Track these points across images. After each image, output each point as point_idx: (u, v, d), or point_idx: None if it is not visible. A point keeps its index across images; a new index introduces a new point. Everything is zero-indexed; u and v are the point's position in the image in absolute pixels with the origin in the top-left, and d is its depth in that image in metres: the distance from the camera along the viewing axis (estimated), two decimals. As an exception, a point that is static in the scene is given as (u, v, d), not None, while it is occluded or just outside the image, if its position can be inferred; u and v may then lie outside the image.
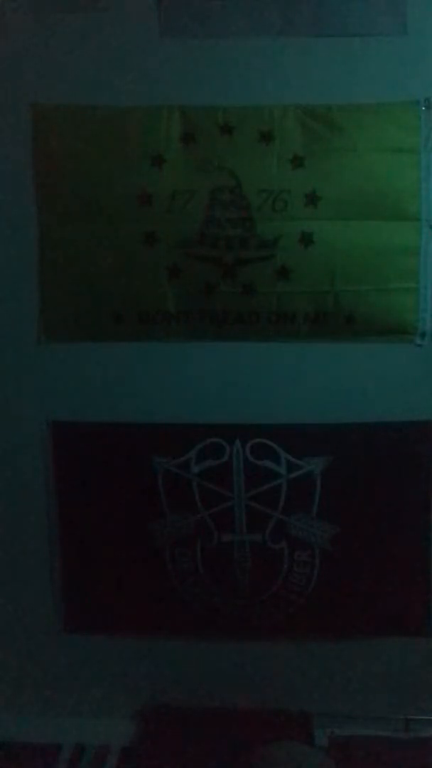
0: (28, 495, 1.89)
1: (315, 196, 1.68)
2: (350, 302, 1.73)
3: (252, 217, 1.70)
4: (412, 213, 1.69)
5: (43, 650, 1.97)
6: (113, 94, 1.68)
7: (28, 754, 1.88)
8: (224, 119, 1.67)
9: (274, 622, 1.89)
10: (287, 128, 1.67)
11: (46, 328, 1.80)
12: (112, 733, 1.93)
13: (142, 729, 1.91)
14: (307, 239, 1.70)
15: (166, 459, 1.82)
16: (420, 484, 1.81)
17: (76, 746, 1.92)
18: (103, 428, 1.83)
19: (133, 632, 1.94)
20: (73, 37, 1.67)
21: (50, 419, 1.84)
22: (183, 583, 1.89)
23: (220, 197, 1.70)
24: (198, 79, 1.67)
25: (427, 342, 1.75)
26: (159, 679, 1.96)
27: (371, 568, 1.85)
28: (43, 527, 1.90)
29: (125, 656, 1.95)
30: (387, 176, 1.68)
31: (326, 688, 1.93)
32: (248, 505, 1.83)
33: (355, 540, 1.83)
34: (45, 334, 1.80)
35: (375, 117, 1.65)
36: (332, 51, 1.64)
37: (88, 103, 1.69)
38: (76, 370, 1.82)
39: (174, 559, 1.88)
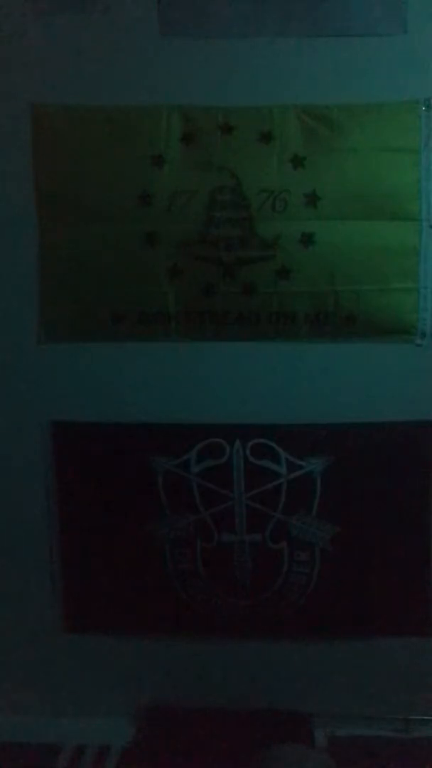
0: (28, 495, 1.89)
1: (315, 196, 1.68)
2: (350, 302, 1.73)
3: (252, 217, 1.70)
4: (412, 213, 1.69)
5: (43, 650, 1.97)
6: (113, 94, 1.68)
7: (28, 754, 1.88)
8: (224, 119, 1.67)
9: (274, 622, 1.89)
10: (287, 128, 1.67)
11: (46, 328, 1.80)
12: (112, 733, 1.93)
13: (142, 729, 1.91)
14: (307, 239, 1.70)
15: (166, 459, 1.82)
16: (420, 484, 1.81)
17: (76, 746, 1.92)
18: (103, 428, 1.83)
19: (133, 632, 1.94)
20: (73, 37, 1.67)
21: (50, 419, 1.84)
22: (183, 583, 1.89)
23: (220, 197, 1.70)
24: (198, 79, 1.67)
25: (427, 342, 1.75)
26: (159, 679, 1.96)
27: (371, 568, 1.85)
28: (43, 527, 1.89)
29: (125, 656, 1.95)
30: (387, 176, 1.67)
31: (326, 688, 1.93)
32: (248, 505, 1.83)
33: (355, 540, 1.83)
34: (45, 334, 1.80)
35: (375, 117, 1.65)
36: (332, 51, 1.64)
37: (88, 103, 1.69)
38: (76, 370, 1.82)
39: (174, 559, 1.88)
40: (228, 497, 1.83)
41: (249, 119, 1.67)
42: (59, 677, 1.99)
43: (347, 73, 1.65)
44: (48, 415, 1.84)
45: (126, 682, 1.97)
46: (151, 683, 1.97)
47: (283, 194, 1.69)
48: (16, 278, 1.79)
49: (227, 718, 1.88)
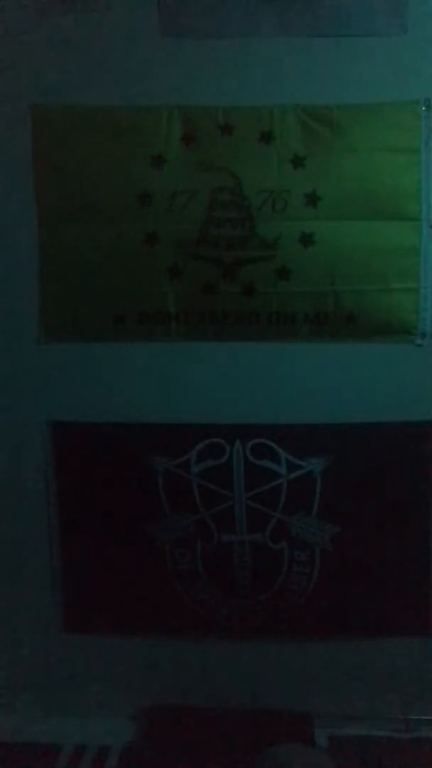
0: (28, 495, 1.89)
1: (315, 196, 1.68)
2: (350, 302, 1.73)
3: (252, 217, 1.70)
4: (412, 213, 1.69)
5: (43, 650, 1.97)
6: (113, 94, 1.68)
7: (28, 754, 1.88)
8: (224, 119, 1.67)
9: (274, 622, 1.89)
10: (287, 128, 1.67)
11: (46, 328, 1.80)
12: (112, 733, 1.93)
13: (142, 729, 1.91)
14: (307, 239, 1.70)
15: (166, 459, 1.82)
16: (420, 484, 1.81)
17: (76, 746, 1.92)
18: (103, 428, 1.83)
19: (133, 632, 1.94)
20: (73, 37, 1.67)
21: (50, 419, 1.84)
22: (183, 583, 1.89)
23: (220, 197, 1.70)
24: (198, 79, 1.67)
25: (427, 342, 1.75)
26: (159, 679, 1.96)
27: (371, 568, 1.85)
28: (43, 527, 1.90)
29: (125, 656, 1.95)
30: (387, 176, 1.68)
31: (326, 688, 1.93)
32: (248, 505, 1.83)
33: (355, 540, 1.83)
34: (45, 334, 1.80)
35: (375, 117, 1.65)
36: (332, 51, 1.64)
37: (88, 103, 1.69)
38: (76, 370, 1.82)
39: (174, 559, 1.88)
40: (228, 497, 1.83)
41: (249, 119, 1.67)
42: (59, 677, 1.99)
43: (347, 73, 1.65)
44: (48, 415, 1.84)
45: (126, 682, 1.97)
46: (151, 683, 1.97)
47: (283, 194, 1.69)
48: (16, 278, 1.79)
49: (227, 718, 1.88)
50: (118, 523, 1.87)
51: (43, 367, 1.83)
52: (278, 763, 1.56)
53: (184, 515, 1.85)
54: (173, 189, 1.70)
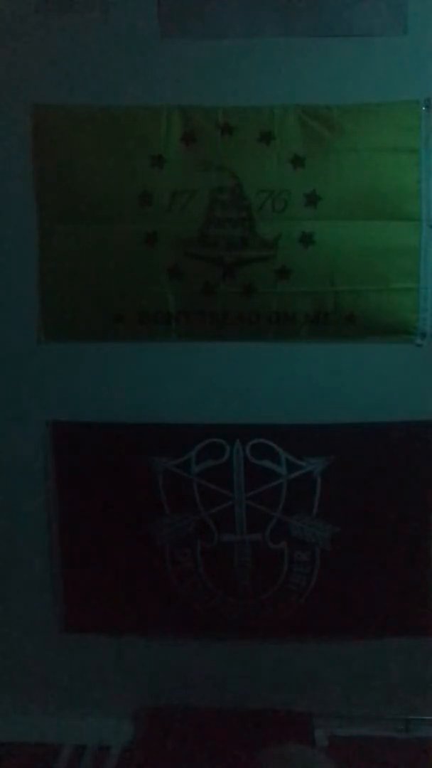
0: (28, 495, 1.89)
1: (315, 196, 1.68)
2: (350, 302, 1.73)
3: (252, 217, 1.70)
4: (412, 213, 1.69)
5: (43, 650, 1.97)
6: (113, 94, 1.68)
7: (28, 754, 1.88)
8: (224, 119, 1.67)
9: (274, 622, 1.89)
10: (287, 128, 1.67)
11: (46, 328, 1.80)
12: (112, 733, 1.93)
13: (142, 729, 1.91)
14: (307, 239, 1.70)
15: (166, 459, 1.82)
16: (420, 484, 1.81)
17: (76, 746, 1.92)
18: (103, 428, 1.83)
19: (133, 632, 1.94)
20: (73, 37, 1.67)
21: (50, 419, 1.84)
22: (183, 583, 1.89)
23: (220, 197, 1.70)
24: (198, 79, 1.67)
25: (427, 342, 1.75)
26: (159, 679, 1.96)
27: (371, 568, 1.85)
28: (43, 527, 1.90)
29: (125, 656, 1.96)
30: (387, 176, 1.68)
31: (326, 688, 1.93)
32: (248, 505, 1.83)
33: (355, 540, 1.83)
34: (45, 334, 1.80)
35: (375, 117, 1.65)
36: (332, 51, 1.64)
37: (88, 103, 1.69)
38: (76, 370, 1.82)
39: (174, 559, 1.88)
40: (228, 497, 1.83)
41: (249, 119, 1.67)
42: (59, 677, 1.99)
43: (347, 73, 1.65)
44: (48, 415, 1.84)
45: (126, 682, 1.97)
46: (151, 683, 1.97)
47: (283, 194, 1.69)
48: (16, 278, 1.79)
49: (227, 718, 1.88)
50: (118, 523, 1.87)
51: (43, 367, 1.83)
52: (278, 763, 1.56)
53: (184, 515, 1.85)
54: (173, 189, 1.70)
